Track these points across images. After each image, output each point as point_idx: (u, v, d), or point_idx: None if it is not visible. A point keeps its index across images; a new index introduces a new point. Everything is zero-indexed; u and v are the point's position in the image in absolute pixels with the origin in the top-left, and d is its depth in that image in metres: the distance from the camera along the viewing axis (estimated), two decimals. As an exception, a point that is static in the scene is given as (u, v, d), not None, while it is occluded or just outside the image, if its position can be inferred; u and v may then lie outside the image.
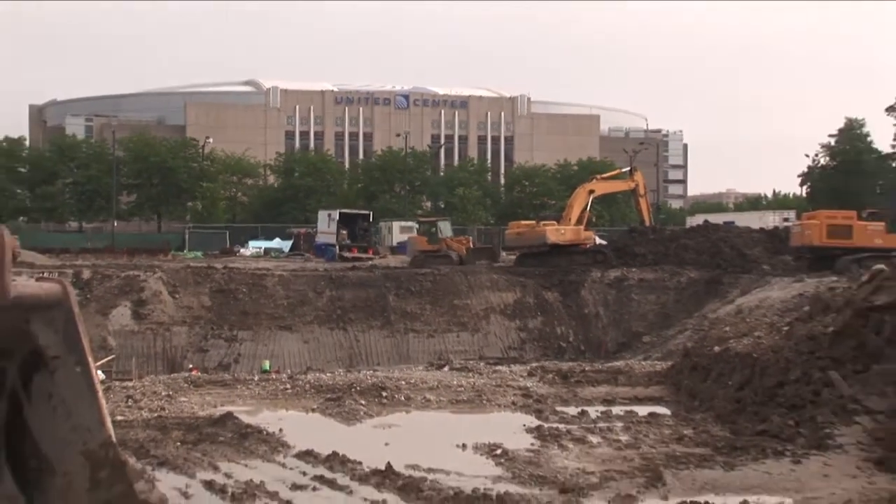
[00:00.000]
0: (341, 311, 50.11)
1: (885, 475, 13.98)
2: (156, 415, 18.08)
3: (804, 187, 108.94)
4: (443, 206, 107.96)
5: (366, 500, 12.37)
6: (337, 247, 69.24)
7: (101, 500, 10.37)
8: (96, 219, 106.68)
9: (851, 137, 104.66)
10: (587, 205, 62.91)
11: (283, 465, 14.32)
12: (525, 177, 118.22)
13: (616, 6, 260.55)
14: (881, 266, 22.21)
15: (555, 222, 62.81)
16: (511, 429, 17.32)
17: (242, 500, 12.28)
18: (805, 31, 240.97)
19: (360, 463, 14.05)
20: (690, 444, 16.39)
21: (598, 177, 72.20)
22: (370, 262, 64.19)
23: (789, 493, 13.02)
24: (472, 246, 67.75)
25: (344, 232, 71.05)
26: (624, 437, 16.90)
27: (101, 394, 10.90)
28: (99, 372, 12.58)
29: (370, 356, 45.80)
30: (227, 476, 13.40)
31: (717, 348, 24.23)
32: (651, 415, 18.88)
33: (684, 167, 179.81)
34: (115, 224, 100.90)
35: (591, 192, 64.79)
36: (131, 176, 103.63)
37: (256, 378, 23.82)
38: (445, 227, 70.37)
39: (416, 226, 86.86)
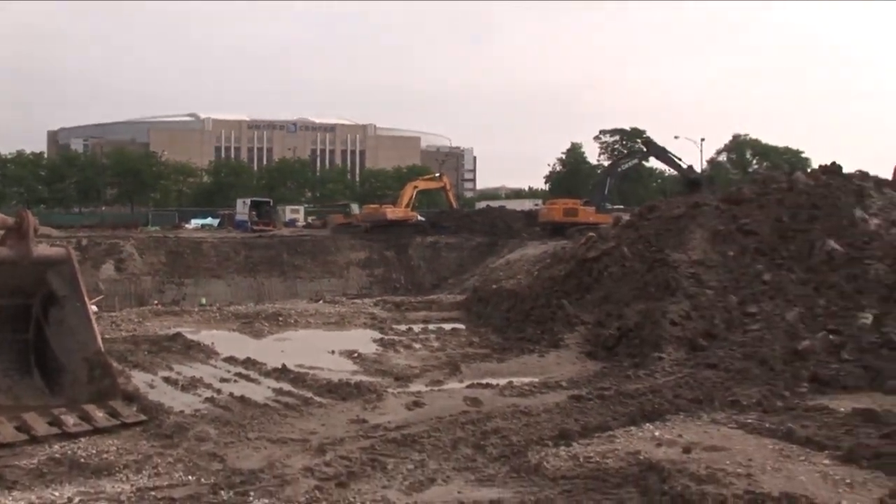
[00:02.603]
0: (252, 265, 49.52)
1: (593, 362, 14.54)
2: (130, 334, 17.69)
3: (547, 184, 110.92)
4: (318, 195, 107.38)
5: (269, 388, 12.34)
6: (249, 222, 67.85)
7: (95, 389, 10.41)
8: (90, 205, 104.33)
9: (574, 154, 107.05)
10: (412, 195, 63.04)
11: (215, 366, 14.17)
12: (372, 177, 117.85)
13: (437, 72, 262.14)
14: (592, 233, 22.93)
15: (392, 206, 62.81)
16: (363, 340, 17.38)
17: (189, 389, 12.14)
18: (543, 81, 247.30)
19: (265, 364, 14.00)
20: (477, 347, 16.67)
21: (420, 178, 72.59)
22: (271, 233, 63.11)
23: (537, 375, 13.39)
24: None
25: (254, 212, 69.60)
26: (436, 344, 17.08)
27: (94, 320, 10.91)
28: (92, 306, 12.29)
29: (271, 294, 45.14)
30: (178, 374, 13.23)
31: (494, 286, 24.67)
32: (453, 329, 19.10)
33: (474, 170, 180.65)
34: (103, 208, 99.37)
35: (416, 187, 64.94)
36: (113, 177, 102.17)
37: (196, 309, 23.40)
38: (354, 207, 69.74)
39: (301, 208, 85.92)
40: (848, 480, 7.48)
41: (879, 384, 11.65)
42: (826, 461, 8.07)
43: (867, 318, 13.82)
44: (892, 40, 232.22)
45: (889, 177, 21.22)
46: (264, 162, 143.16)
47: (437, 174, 73.62)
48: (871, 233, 17.40)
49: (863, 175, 21.22)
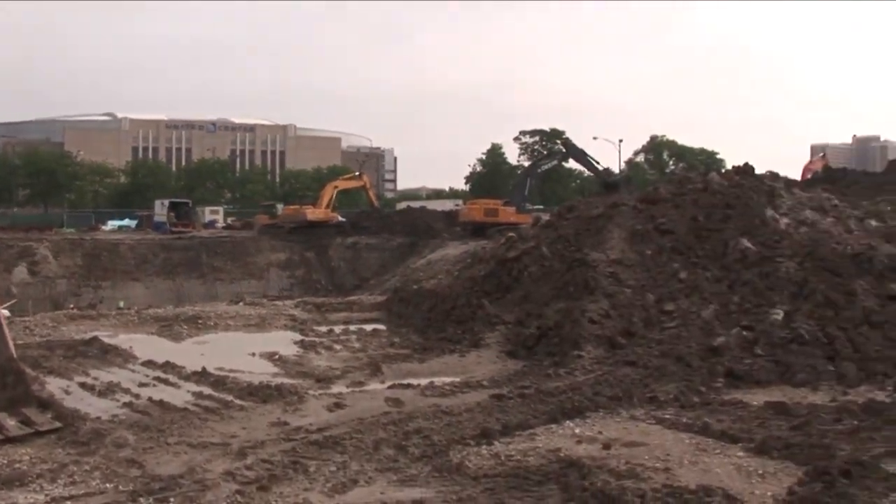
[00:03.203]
0: (171, 267, 48.82)
1: (513, 361, 14.68)
2: (45, 339, 17.24)
3: (468, 185, 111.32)
4: (238, 196, 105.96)
5: (189, 391, 12.17)
6: (168, 224, 66.65)
7: (7, 397, 10.13)
8: (1, 206, 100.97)
9: (494, 155, 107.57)
10: (333, 196, 62.63)
11: (133, 371, 13.90)
12: (293, 177, 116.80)
13: (352, 71, 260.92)
14: (512, 234, 23.18)
15: (312, 206, 62.32)
16: (284, 342, 17.23)
17: (106, 394, 11.89)
18: (464, 82, 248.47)
19: (184, 367, 13.79)
20: (398, 347, 16.68)
21: (341, 178, 72.26)
22: (190, 234, 62.01)
23: (458, 375, 13.48)
24: None
25: (172, 214, 68.35)
26: (357, 345, 17.05)
27: (5, 325, 10.58)
28: (4, 311, 11.97)
29: (191, 296, 44.35)
30: (95, 379, 12.95)
31: (415, 286, 24.70)
32: (374, 330, 19.07)
33: (395, 171, 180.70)
34: (15, 209, 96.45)
35: (336, 187, 64.55)
36: (26, 177, 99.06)
37: (114, 313, 22.92)
38: (280, 208, 69.08)
39: (221, 209, 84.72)
40: (760, 471, 7.76)
41: (790, 378, 12.12)
42: (740, 453, 8.37)
43: (778, 315, 14.30)
44: (810, 44, 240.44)
45: (798, 177, 21.99)
46: (183, 162, 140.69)
47: (357, 173, 73.36)
48: (781, 232, 17.99)
49: (773, 176, 21.96)
